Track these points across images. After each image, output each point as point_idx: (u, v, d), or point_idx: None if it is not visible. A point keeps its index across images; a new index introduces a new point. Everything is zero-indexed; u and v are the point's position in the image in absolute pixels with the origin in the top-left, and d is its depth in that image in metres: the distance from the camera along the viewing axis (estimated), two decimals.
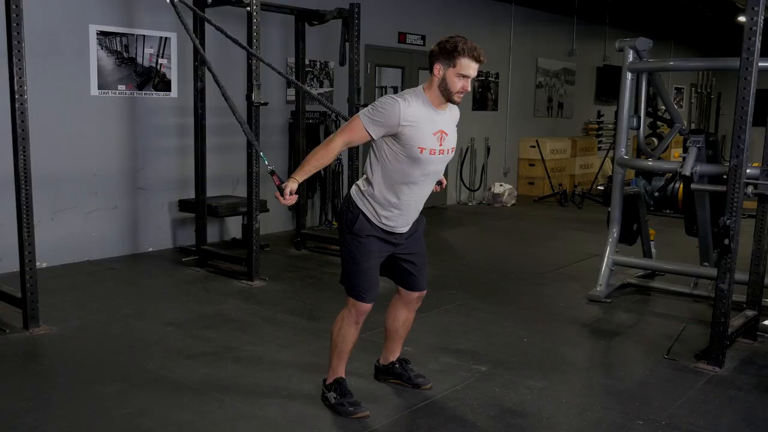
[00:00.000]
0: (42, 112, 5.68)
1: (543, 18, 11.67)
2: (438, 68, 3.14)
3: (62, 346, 4.30)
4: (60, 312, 4.85)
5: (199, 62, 6.06)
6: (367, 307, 3.34)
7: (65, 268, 6.04)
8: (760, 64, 3.93)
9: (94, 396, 3.57)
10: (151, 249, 6.80)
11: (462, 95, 3.18)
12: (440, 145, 3.19)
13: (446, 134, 3.22)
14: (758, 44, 3.87)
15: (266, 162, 3.33)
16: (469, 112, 10.40)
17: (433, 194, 3.44)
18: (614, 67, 12.02)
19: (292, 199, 3.12)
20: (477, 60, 3.11)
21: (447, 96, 3.17)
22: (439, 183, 3.48)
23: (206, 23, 5.94)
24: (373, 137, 3.14)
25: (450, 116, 3.29)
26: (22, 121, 4.32)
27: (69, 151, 6.15)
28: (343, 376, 3.47)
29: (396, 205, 3.24)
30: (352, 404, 3.39)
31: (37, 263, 4.61)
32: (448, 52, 3.10)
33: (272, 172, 3.26)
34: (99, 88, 6.28)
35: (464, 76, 3.12)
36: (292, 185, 3.10)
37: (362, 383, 3.72)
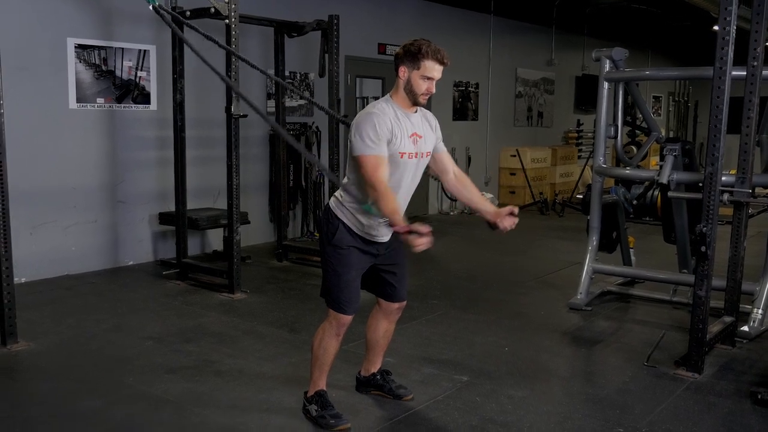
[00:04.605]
0: (20, 125, 5.64)
1: (522, 28, 11.76)
2: (403, 71, 3.17)
3: (41, 361, 4.26)
4: (39, 327, 4.80)
5: (178, 74, 6.05)
6: (348, 319, 3.34)
7: (44, 283, 5.98)
8: (733, 72, 3.98)
9: (73, 412, 3.54)
10: (131, 262, 6.76)
11: (426, 97, 3.21)
12: (415, 147, 3.21)
13: (420, 137, 3.24)
14: (731, 53, 3.91)
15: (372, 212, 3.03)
16: (449, 122, 10.45)
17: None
18: (593, 76, 12.07)
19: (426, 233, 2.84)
20: (441, 62, 3.15)
21: (412, 98, 3.19)
22: (513, 214, 3.24)
23: (186, 33, 5.95)
24: (387, 154, 3.09)
25: (422, 119, 3.30)
26: None
27: (47, 164, 6.11)
28: (324, 388, 3.47)
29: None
30: (334, 416, 3.38)
31: (16, 278, 4.57)
32: (412, 55, 3.13)
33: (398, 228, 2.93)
34: (77, 102, 6.25)
35: (429, 78, 3.15)
36: (410, 225, 2.89)
37: (343, 395, 3.71)
